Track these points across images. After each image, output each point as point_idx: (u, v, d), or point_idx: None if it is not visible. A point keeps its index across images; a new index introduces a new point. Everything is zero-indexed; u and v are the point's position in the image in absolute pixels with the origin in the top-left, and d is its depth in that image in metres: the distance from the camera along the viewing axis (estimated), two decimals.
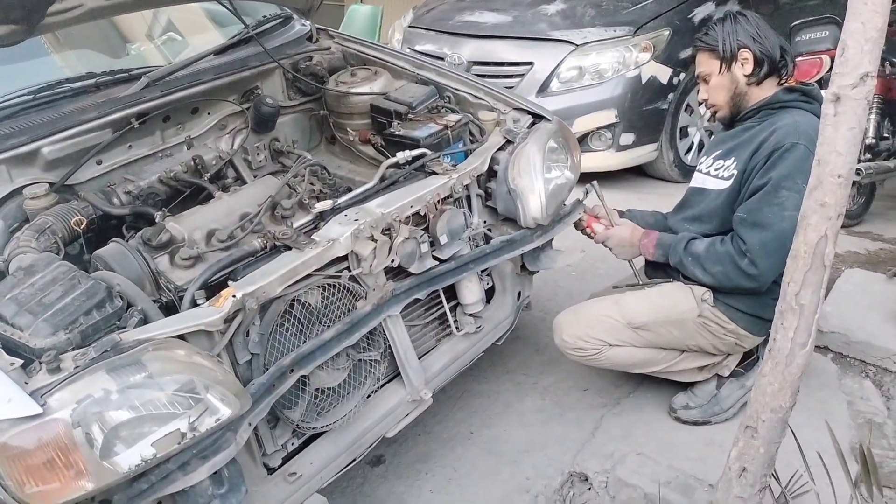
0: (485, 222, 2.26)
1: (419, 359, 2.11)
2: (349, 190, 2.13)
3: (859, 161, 3.18)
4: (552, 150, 2.27)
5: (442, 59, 4.38)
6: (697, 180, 2.30)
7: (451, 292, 2.24)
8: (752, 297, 2.15)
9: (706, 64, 2.17)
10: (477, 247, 2.21)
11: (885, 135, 3.67)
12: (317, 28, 2.86)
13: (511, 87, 4.13)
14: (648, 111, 4.13)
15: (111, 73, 2.28)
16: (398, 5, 5.90)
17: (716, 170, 2.21)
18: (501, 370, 2.75)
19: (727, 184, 2.15)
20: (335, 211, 1.95)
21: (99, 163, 2.17)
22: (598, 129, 4.12)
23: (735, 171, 2.13)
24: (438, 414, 2.51)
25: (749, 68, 2.12)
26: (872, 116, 3.47)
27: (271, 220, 2.01)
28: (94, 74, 2.25)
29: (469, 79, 2.53)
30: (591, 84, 4.11)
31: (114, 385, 1.37)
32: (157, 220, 1.89)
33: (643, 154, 4.25)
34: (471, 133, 2.40)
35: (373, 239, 1.87)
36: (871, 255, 3.53)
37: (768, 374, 1.60)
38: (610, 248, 2.37)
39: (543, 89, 4.15)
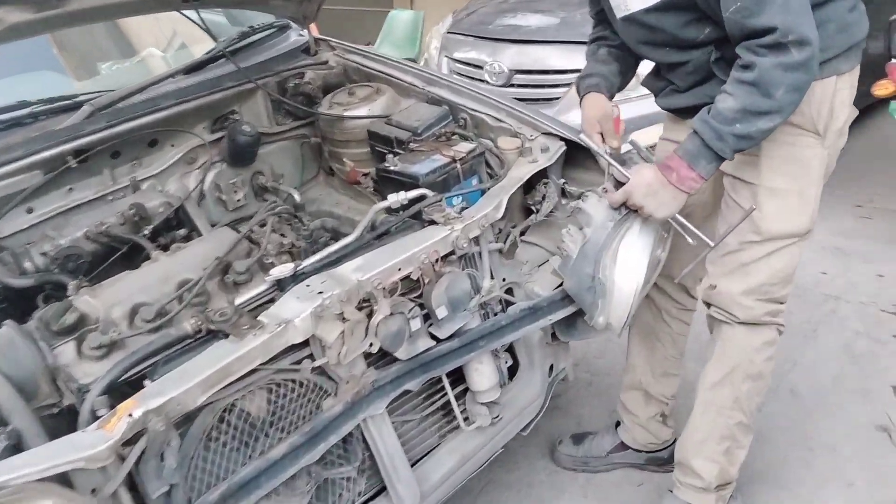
0: (504, 280, 1.76)
1: (413, 466, 1.62)
2: (335, 240, 1.68)
3: None
4: (660, 238, 1.73)
5: (480, 67, 3.92)
6: (620, 8, 1.66)
7: (459, 374, 1.75)
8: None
9: None
10: (492, 316, 1.71)
11: None
12: (316, 38, 2.42)
13: (557, 98, 3.63)
14: None
15: (48, 100, 1.89)
16: (440, 10, 5.46)
17: None
18: (536, 453, 2.24)
19: None
20: (297, 278, 1.49)
21: (29, 211, 1.79)
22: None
23: None
24: None
25: None
26: None
27: (221, 287, 1.57)
28: (27, 103, 1.87)
29: (490, 97, 2.04)
30: (649, 93, 3.55)
31: None
32: (69, 293, 1.47)
33: None
34: (489, 166, 1.92)
35: (342, 318, 1.41)
36: None
37: None
38: (642, 209, 1.60)
39: None
